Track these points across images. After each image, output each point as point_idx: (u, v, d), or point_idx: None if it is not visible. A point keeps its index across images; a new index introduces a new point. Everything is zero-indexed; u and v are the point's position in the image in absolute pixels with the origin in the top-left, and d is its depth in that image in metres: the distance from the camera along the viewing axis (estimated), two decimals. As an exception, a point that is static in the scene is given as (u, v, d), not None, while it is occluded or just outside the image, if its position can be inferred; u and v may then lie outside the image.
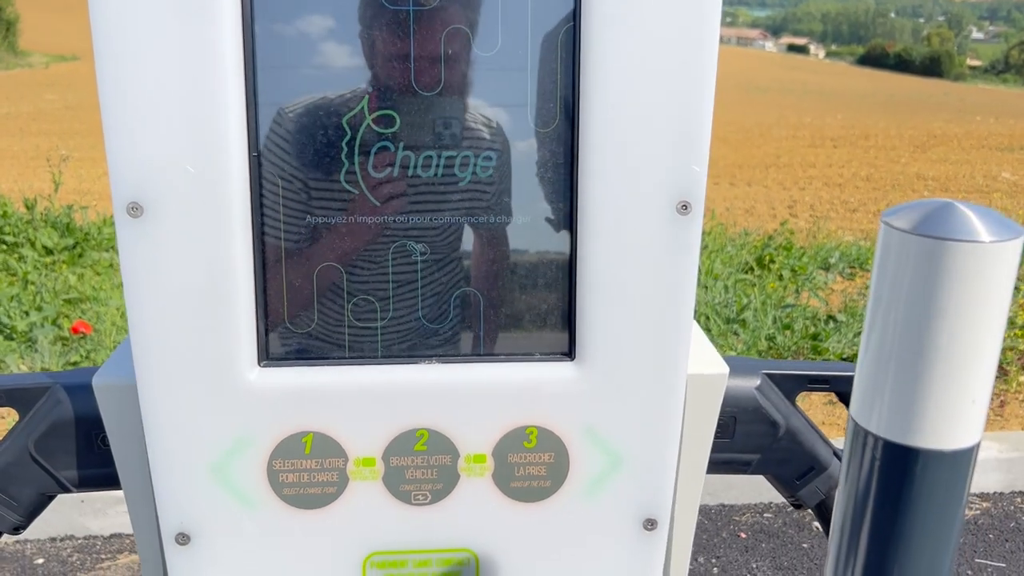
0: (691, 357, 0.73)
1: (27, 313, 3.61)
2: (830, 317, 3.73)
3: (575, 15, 0.66)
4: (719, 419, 0.79)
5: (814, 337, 3.49)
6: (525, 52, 0.67)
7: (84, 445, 0.78)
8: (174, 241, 0.66)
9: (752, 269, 4.49)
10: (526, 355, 0.73)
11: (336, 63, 0.67)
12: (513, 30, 0.67)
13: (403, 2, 0.66)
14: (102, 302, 3.78)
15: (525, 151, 0.69)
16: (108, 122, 0.64)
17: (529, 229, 0.71)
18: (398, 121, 0.68)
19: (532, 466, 0.73)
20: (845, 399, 0.85)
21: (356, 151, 0.68)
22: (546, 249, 0.71)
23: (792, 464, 0.85)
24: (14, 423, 0.79)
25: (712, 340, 3.02)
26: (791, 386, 0.84)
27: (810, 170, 10.60)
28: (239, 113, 0.65)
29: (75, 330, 3.35)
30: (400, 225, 0.70)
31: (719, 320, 3.59)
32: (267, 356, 0.71)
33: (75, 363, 3.25)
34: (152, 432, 0.71)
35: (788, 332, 3.51)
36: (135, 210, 0.66)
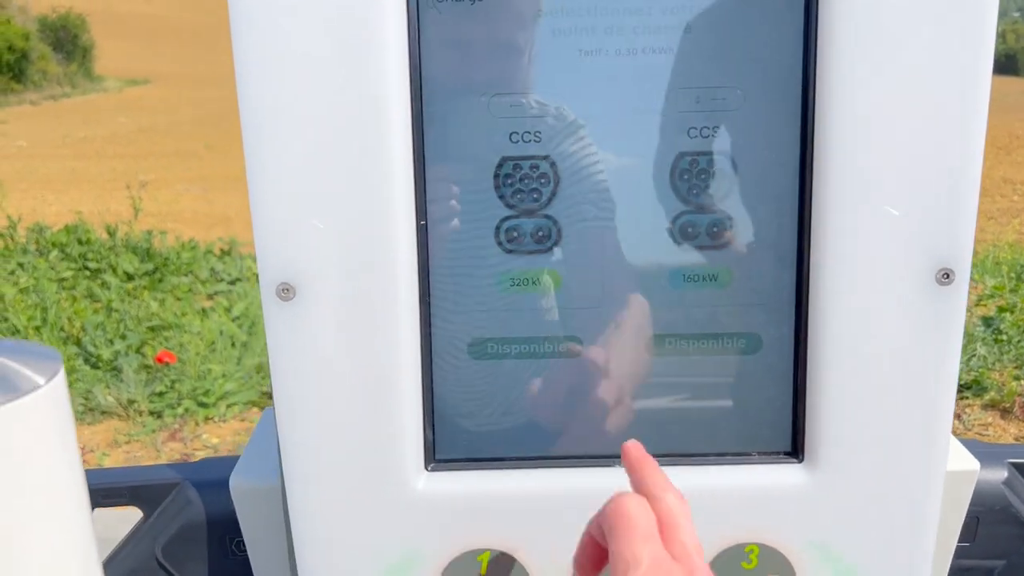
0: None
1: (111, 341, 3.61)
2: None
3: (807, 31, 0.54)
4: (961, 520, 0.66)
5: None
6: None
7: (217, 551, 0.69)
8: (330, 326, 0.56)
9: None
10: (742, 456, 0.60)
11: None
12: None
13: None
14: (184, 328, 3.77)
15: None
16: (256, 193, 0.54)
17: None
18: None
19: (752, 590, 0.61)
20: (1110, 493, 0.70)
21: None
22: (768, 330, 0.59)
23: (1044, 572, 0.70)
24: (137, 522, 0.70)
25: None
26: (1043, 478, 0.70)
27: (888, 176, 10.23)
28: (406, 179, 0.55)
29: (159, 360, 3.33)
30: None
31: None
32: (435, 459, 0.60)
33: (161, 393, 3.23)
34: (301, 546, 0.60)
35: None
36: (286, 292, 0.56)
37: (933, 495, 0.59)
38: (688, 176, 0.57)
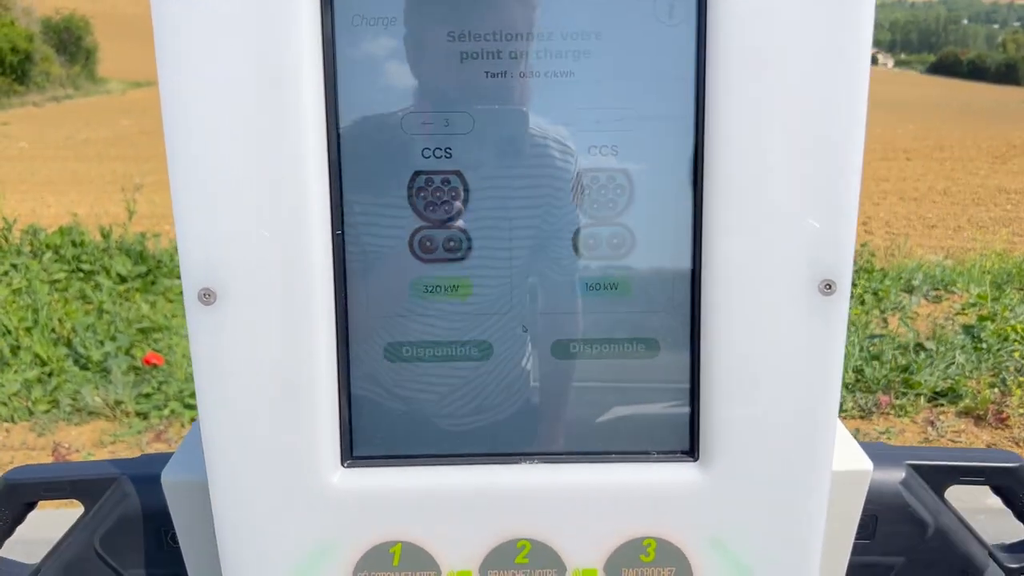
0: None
1: (102, 343, 3.64)
2: (919, 345, 3.54)
3: (698, 55, 0.58)
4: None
5: (904, 369, 3.31)
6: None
7: (153, 542, 0.72)
8: (249, 330, 0.60)
9: (831, 293, 4.28)
10: (641, 454, 0.64)
11: (429, 130, 0.60)
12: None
13: None
14: (174, 331, 3.80)
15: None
16: (179, 202, 0.58)
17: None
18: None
19: (649, 582, 0.64)
20: (1004, 495, 0.73)
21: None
22: (664, 335, 0.63)
23: (942, 568, 0.74)
24: (78, 516, 0.73)
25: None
26: (940, 479, 0.73)
27: (883, 184, 10.26)
28: (321, 188, 0.58)
29: (147, 361, 3.36)
30: (499, 309, 0.62)
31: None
32: (351, 455, 0.63)
33: (148, 395, 3.26)
34: (224, 537, 0.64)
35: (876, 363, 3.33)
36: (207, 296, 0.59)
37: (820, 494, 0.62)
38: (589, 191, 0.61)
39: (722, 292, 0.59)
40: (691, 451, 0.63)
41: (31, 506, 0.74)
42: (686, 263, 0.61)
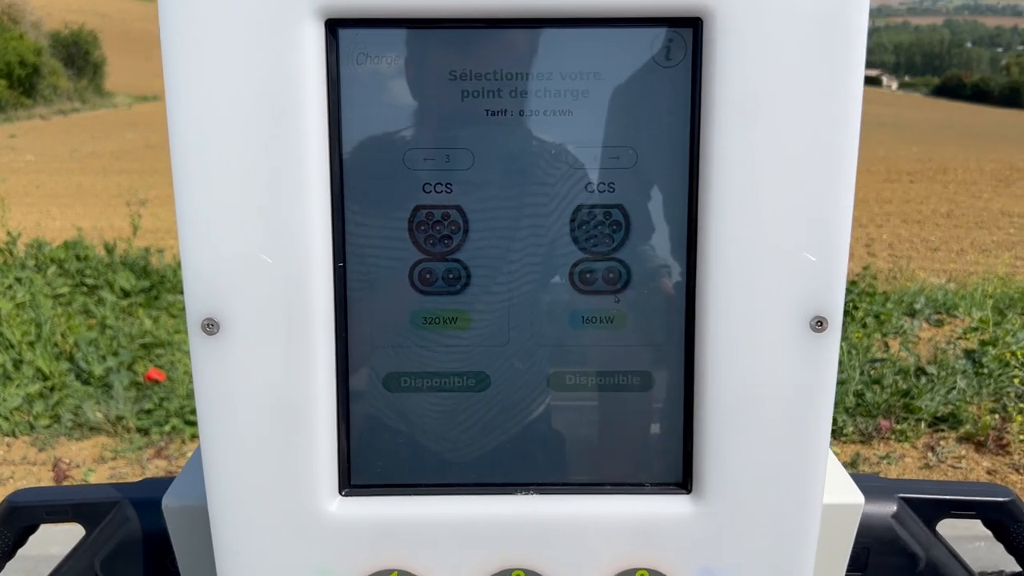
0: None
1: (104, 358, 3.66)
2: (920, 370, 3.54)
3: (693, 95, 0.59)
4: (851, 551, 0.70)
5: (905, 394, 3.31)
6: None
7: (153, 567, 0.73)
8: (251, 360, 0.61)
9: (833, 316, 4.28)
10: (636, 486, 0.64)
11: (429, 166, 0.61)
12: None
13: None
14: (177, 347, 3.82)
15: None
16: (184, 233, 0.59)
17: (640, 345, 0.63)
18: (496, 229, 0.61)
19: (642, 613, 0.65)
20: (995, 529, 0.74)
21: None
22: (659, 368, 0.64)
23: (933, 601, 0.74)
24: (79, 539, 0.74)
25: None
26: (932, 512, 0.74)
27: (887, 206, 10.29)
28: (324, 225, 0.60)
29: (149, 377, 3.37)
30: (497, 341, 0.63)
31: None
32: (349, 484, 0.64)
33: (149, 410, 3.27)
34: (224, 563, 0.64)
35: (877, 387, 3.33)
36: (211, 327, 0.60)
37: (811, 527, 0.63)
38: (586, 227, 0.62)
39: (714, 327, 0.61)
40: (684, 483, 0.64)
41: (32, 528, 0.75)
42: (680, 298, 0.62)
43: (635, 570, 0.64)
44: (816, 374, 0.61)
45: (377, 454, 0.65)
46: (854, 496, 0.68)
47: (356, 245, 0.62)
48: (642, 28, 0.59)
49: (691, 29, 0.59)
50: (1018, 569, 0.76)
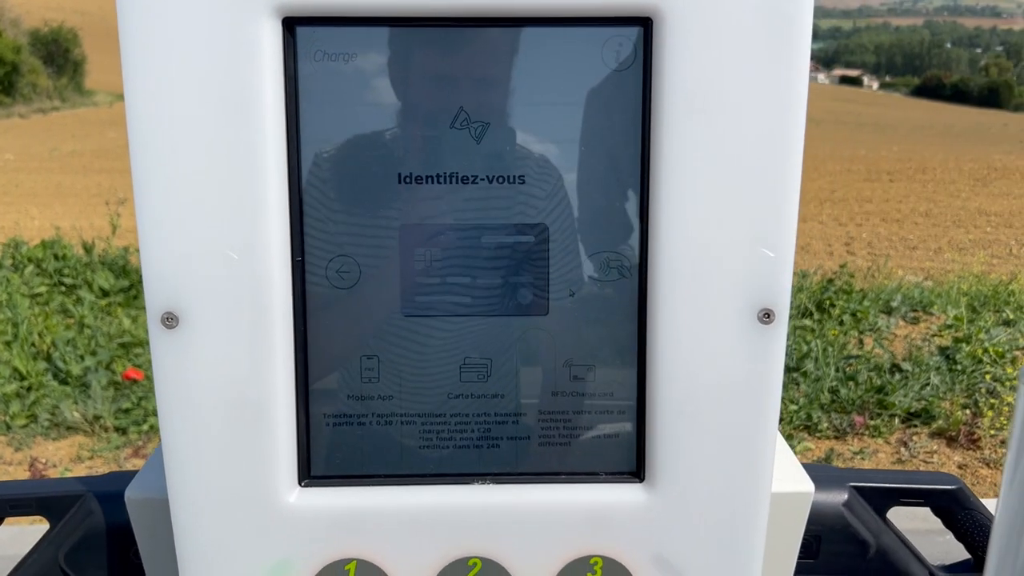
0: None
1: (82, 357, 3.64)
2: (895, 367, 3.58)
3: (645, 102, 0.60)
4: (802, 538, 0.72)
5: (879, 390, 3.35)
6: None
7: (116, 559, 0.73)
8: (210, 353, 0.61)
9: (811, 314, 4.35)
10: (590, 475, 0.66)
11: (385, 162, 0.62)
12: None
13: None
14: (155, 346, 3.80)
15: (590, 255, 0.63)
16: (144, 229, 0.60)
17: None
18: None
19: (597, 600, 0.66)
20: (944, 516, 0.76)
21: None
22: (612, 360, 0.65)
23: (884, 587, 0.76)
24: (44, 533, 0.75)
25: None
26: (881, 501, 0.76)
27: (866, 205, 10.38)
28: (282, 219, 0.61)
29: (127, 376, 3.36)
30: (453, 334, 0.64)
31: (777, 369, 3.47)
32: (308, 476, 0.65)
33: (127, 410, 3.26)
34: (184, 554, 0.65)
35: (852, 384, 3.37)
36: (170, 320, 0.61)
37: (760, 515, 0.65)
38: (540, 228, 0.63)
39: (666, 320, 0.62)
40: (637, 472, 0.65)
41: (-3, 522, 0.75)
42: (633, 294, 0.63)
43: (589, 557, 0.65)
44: (764, 365, 0.62)
45: (336, 446, 0.66)
46: (805, 484, 0.70)
47: (315, 239, 0.63)
48: (592, 27, 0.60)
49: (641, 28, 0.60)
50: (967, 556, 0.78)
